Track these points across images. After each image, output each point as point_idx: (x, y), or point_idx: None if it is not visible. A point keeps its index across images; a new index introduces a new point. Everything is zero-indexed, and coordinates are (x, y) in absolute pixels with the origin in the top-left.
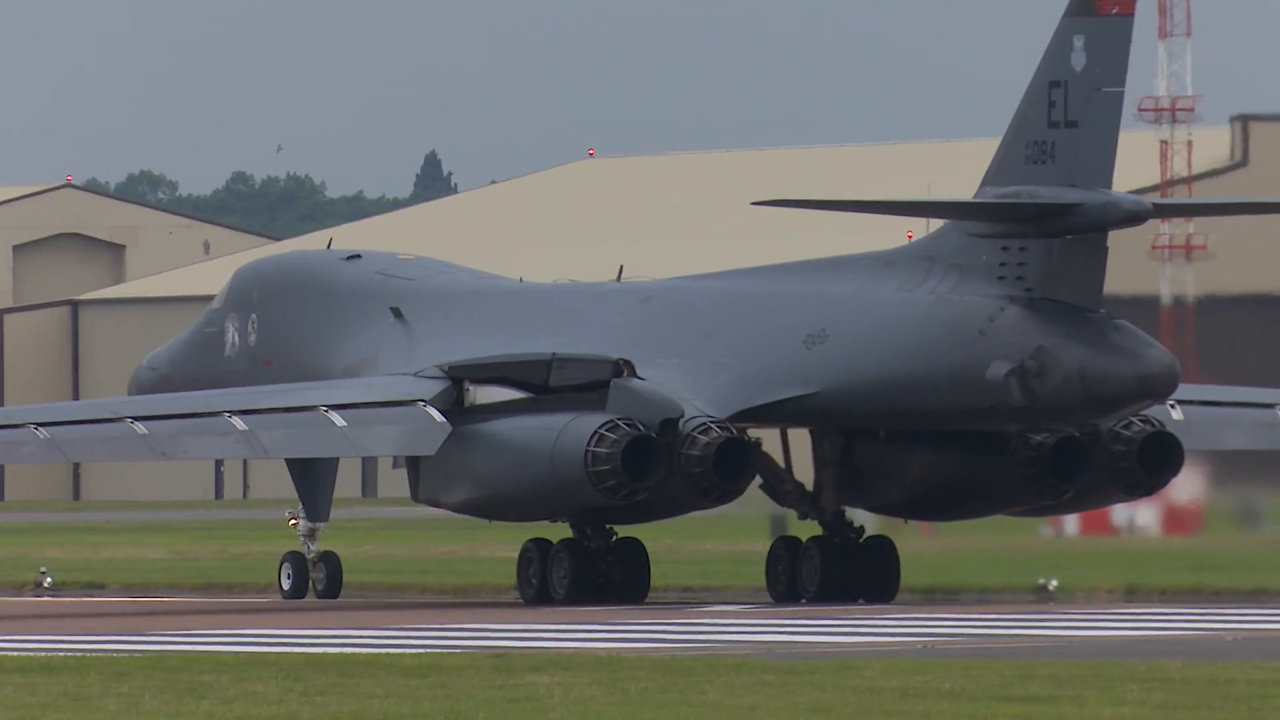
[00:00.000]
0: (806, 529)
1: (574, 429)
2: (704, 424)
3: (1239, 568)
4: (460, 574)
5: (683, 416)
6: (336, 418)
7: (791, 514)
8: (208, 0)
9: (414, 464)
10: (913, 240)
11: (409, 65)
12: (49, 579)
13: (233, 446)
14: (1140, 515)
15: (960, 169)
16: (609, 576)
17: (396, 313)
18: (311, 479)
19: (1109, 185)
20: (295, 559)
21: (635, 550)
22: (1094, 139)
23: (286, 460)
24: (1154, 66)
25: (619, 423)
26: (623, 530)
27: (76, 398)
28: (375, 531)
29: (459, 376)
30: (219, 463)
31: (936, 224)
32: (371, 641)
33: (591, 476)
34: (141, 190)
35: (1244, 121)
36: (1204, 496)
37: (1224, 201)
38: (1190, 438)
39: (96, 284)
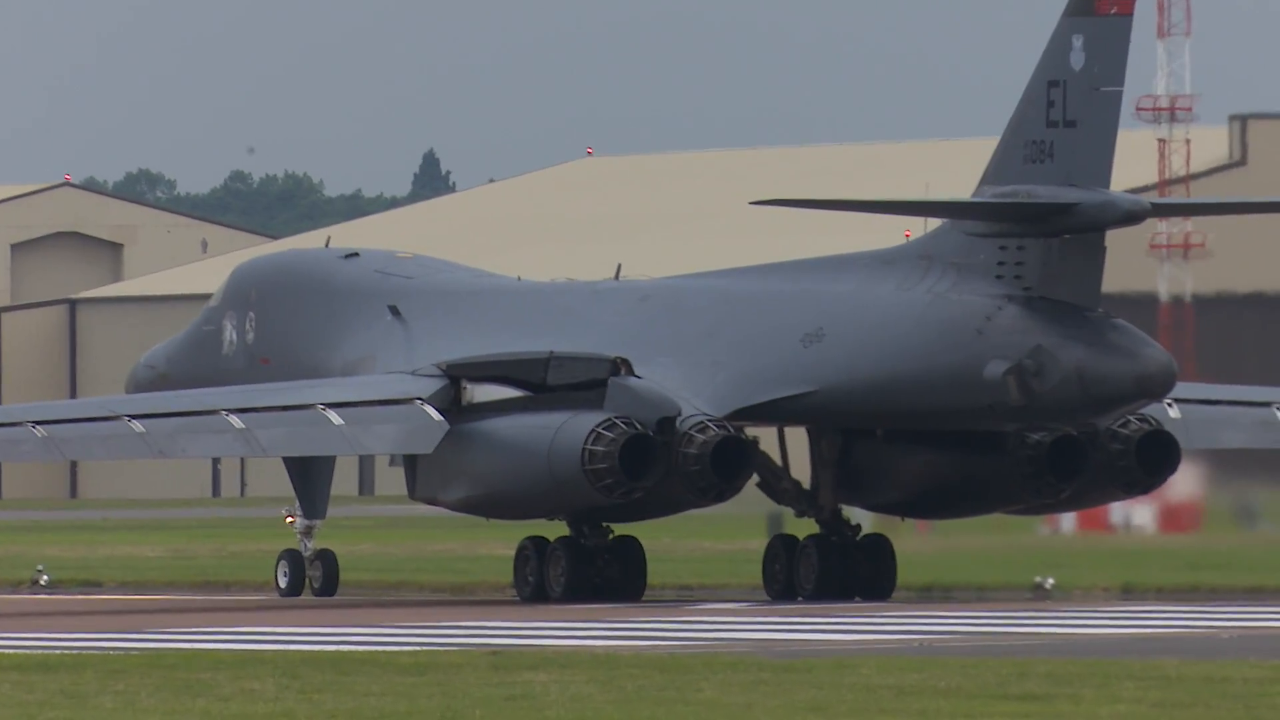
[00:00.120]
0: (804, 527)
1: (571, 428)
2: (701, 423)
3: (1236, 566)
4: (457, 572)
5: (680, 415)
6: (334, 416)
7: (789, 512)
8: None
9: (411, 462)
10: (910, 239)
11: (407, 64)
12: (45, 577)
13: (230, 445)
14: (1137, 514)
15: (958, 168)
16: (606, 575)
17: (394, 311)
18: (309, 477)
19: (1107, 184)
20: (292, 557)
21: (632, 548)
22: (1092, 138)
23: (284, 458)
24: (1153, 66)
25: (616, 421)
26: (620, 528)
27: (74, 396)
28: (372, 530)
29: (456, 375)
30: (216, 461)
31: (934, 223)
32: (368, 639)
33: (589, 475)
34: (139, 189)
35: (1242, 121)
36: (1201, 495)
37: (1222, 201)
38: (1188, 437)
39: (94, 282)
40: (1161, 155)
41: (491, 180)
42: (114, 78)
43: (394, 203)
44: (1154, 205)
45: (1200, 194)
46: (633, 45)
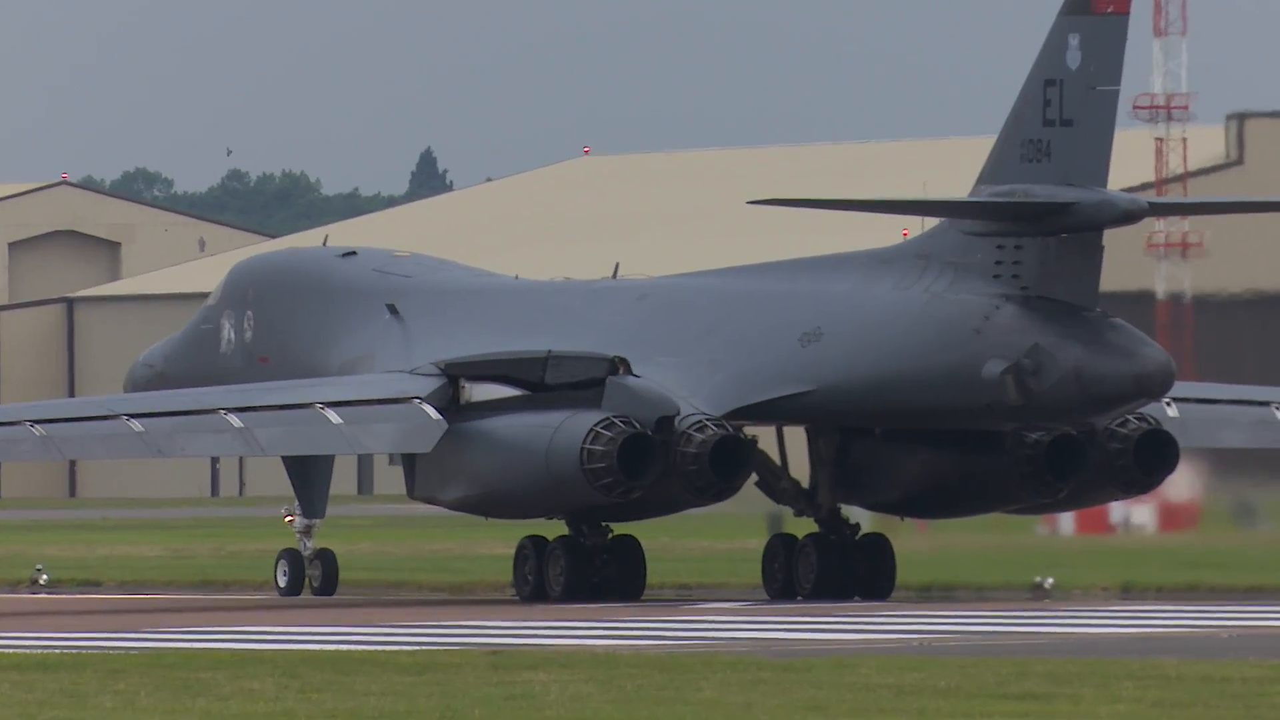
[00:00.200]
0: (802, 526)
1: (570, 427)
2: (700, 422)
3: (1235, 565)
4: (456, 571)
5: (678, 414)
6: (332, 415)
7: (787, 511)
8: None
9: (410, 461)
10: (908, 239)
11: (405, 63)
12: (44, 576)
13: (229, 444)
14: (1136, 513)
15: (956, 167)
16: (605, 574)
17: (392, 310)
18: (308, 476)
19: (1104, 183)
20: (291, 556)
21: (631, 548)
22: (1089, 137)
23: (283, 458)
24: (1149, 64)
25: (615, 420)
26: (619, 528)
27: (72, 395)
28: (371, 529)
29: (455, 374)
30: (215, 460)
31: (932, 222)
32: (367, 639)
33: (587, 474)
34: (137, 188)
35: (1239, 119)
36: (1200, 494)
37: (1220, 200)
38: (1186, 436)
39: (92, 281)
40: (1159, 154)
41: (489, 179)
42: (112, 77)
43: (391, 201)
44: (1151, 204)
45: (1197, 193)
46: (630, 45)
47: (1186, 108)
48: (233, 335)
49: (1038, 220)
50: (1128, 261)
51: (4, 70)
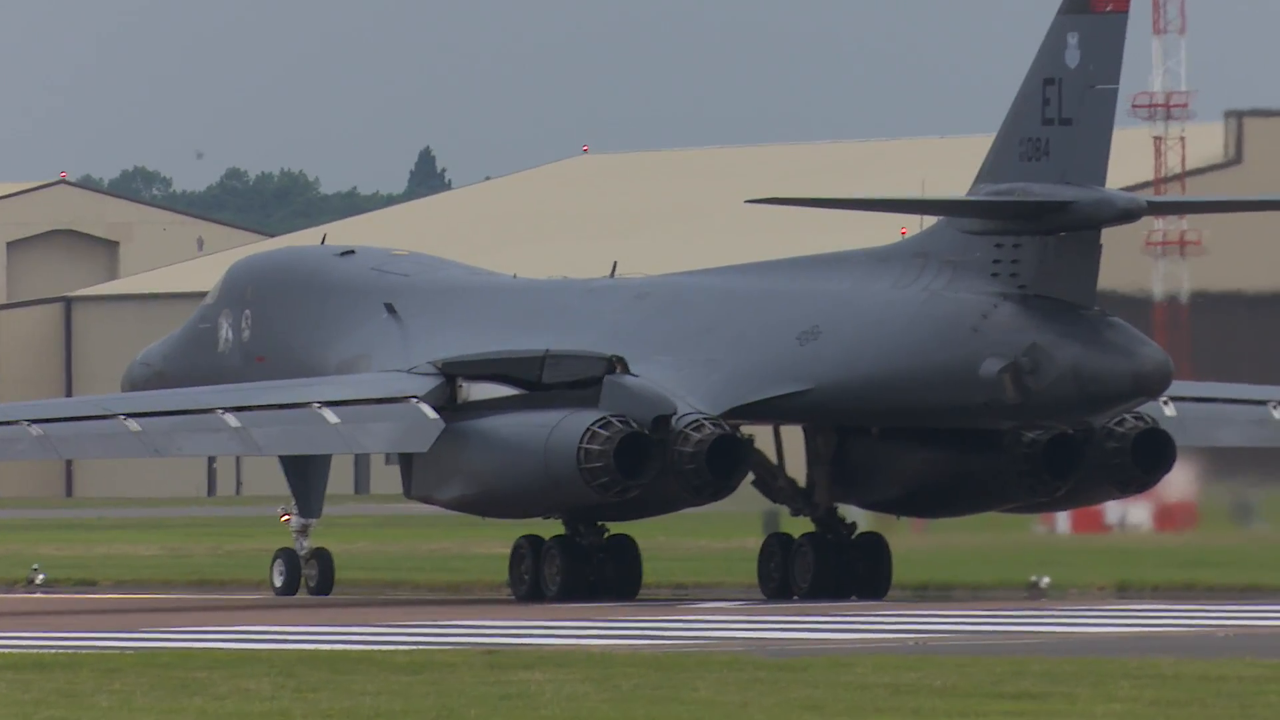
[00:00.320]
0: (799, 526)
1: (567, 426)
2: (697, 421)
3: (1232, 564)
4: (453, 571)
5: (676, 413)
6: (330, 414)
7: (784, 510)
8: None
9: (407, 461)
10: (906, 237)
11: (403, 62)
12: (41, 576)
13: (226, 443)
14: (1133, 512)
15: (954, 166)
16: (601, 573)
17: (390, 309)
18: (304, 476)
19: (1103, 182)
20: (288, 556)
21: (627, 547)
22: (1088, 136)
23: (279, 457)
24: (1148, 63)
25: (612, 420)
26: (615, 527)
27: (70, 394)
28: (368, 528)
29: (452, 373)
30: (212, 460)
31: (930, 221)
32: (364, 638)
33: (584, 473)
34: (135, 187)
35: (1238, 118)
36: (1197, 493)
37: (1218, 199)
38: (1184, 435)
39: (90, 280)
40: (1157, 153)
41: (488, 178)
42: (110, 76)
43: (390, 200)
44: (1150, 203)
45: (1196, 191)
46: (629, 43)
47: (1185, 106)
48: (230, 334)
49: (1036, 219)
50: (1126, 260)
51: (3, 70)
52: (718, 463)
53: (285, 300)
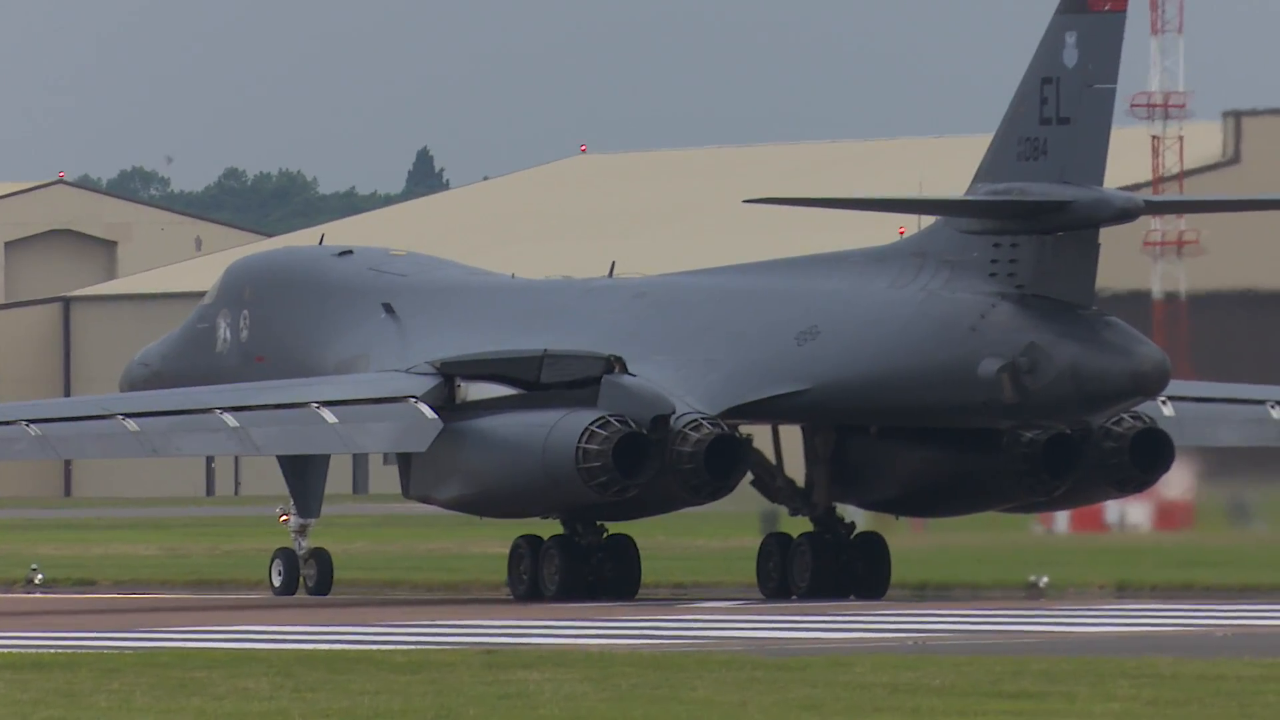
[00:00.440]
0: (798, 525)
1: (565, 426)
2: (695, 420)
3: (1230, 564)
4: (451, 570)
5: (674, 413)
6: (328, 414)
7: (783, 510)
8: None
9: (405, 461)
10: (904, 237)
11: (401, 62)
12: (40, 576)
13: (224, 443)
14: (1131, 512)
15: (952, 165)
16: (600, 573)
17: (388, 309)
18: (303, 475)
19: (1101, 182)
20: (286, 555)
21: (626, 547)
22: (1086, 135)
23: (278, 457)
24: (1146, 63)
25: (610, 419)
26: (614, 527)
27: (68, 394)
28: (366, 528)
29: (451, 373)
30: (210, 459)
31: (928, 221)
32: (362, 638)
33: (583, 473)
34: (134, 186)
35: (1236, 117)
36: (1195, 493)
37: (1216, 199)
38: (1182, 434)
39: (89, 280)
40: (1155, 152)
41: (486, 178)
42: (109, 76)
43: (388, 200)
44: (1148, 203)
45: (1194, 191)
46: (627, 43)
47: (1183, 106)
48: (229, 334)
49: (1034, 218)
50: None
51: (2, 70)
52: (716, 462)
53: (283, 300)
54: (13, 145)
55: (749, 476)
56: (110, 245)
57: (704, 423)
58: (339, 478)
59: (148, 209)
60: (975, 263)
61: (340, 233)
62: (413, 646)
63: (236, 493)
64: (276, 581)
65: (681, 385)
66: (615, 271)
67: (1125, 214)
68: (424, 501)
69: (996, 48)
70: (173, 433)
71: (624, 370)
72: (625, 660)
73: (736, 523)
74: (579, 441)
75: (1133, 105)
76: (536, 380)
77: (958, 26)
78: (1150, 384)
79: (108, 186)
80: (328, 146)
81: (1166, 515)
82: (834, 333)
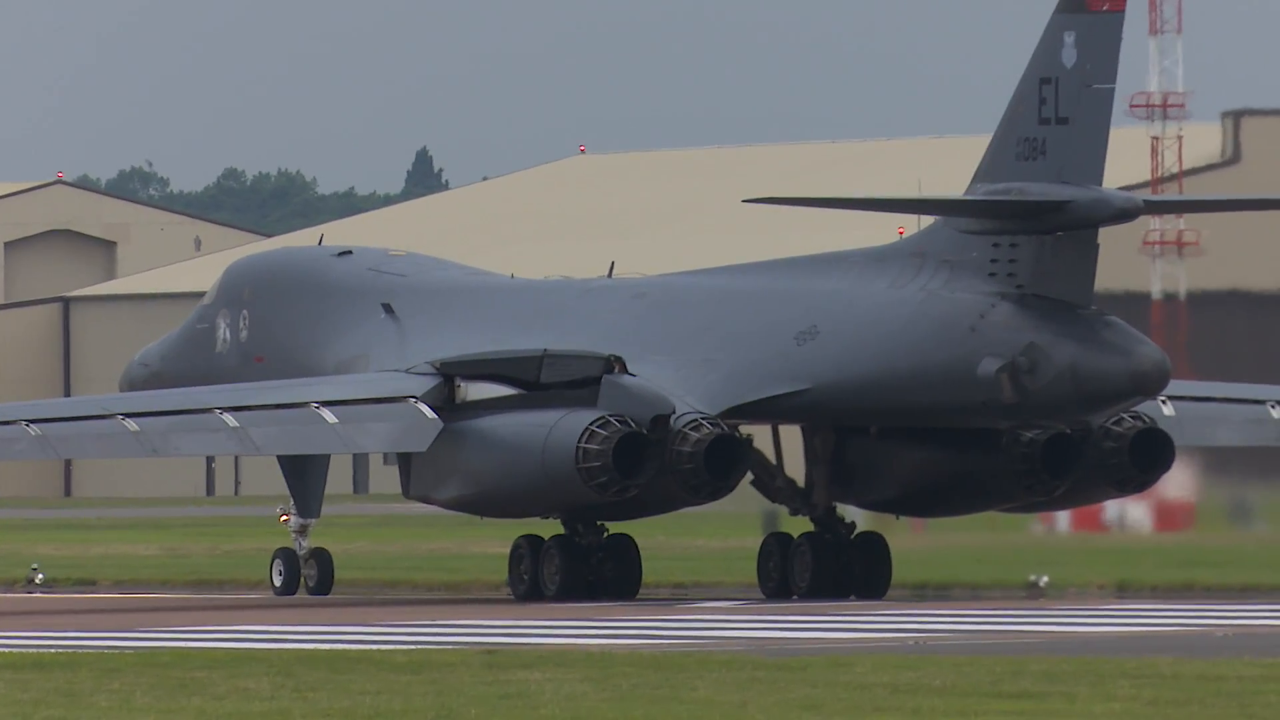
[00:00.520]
0: (798, 525)
1: (565, 426)
2: (695, 420)
3: (1230, 564)
4: (451, 570)
5: (674, 413)
6: (328, 414)
7: (783, 510)
8: None
9: (405, 461)
10: (904, 237)
11: (401, 62)
12: (40, 575)
13: (224, 443)
14: (1131, 511)
15: (951, 165)
16: (600, 573)
17: (388, 309)
18: (303, 475)
19: (1100, 182)
20: (287, 555)
21: (626, 547)
22: (1085, 135)
23: (278, 457)
24: (1145, 63)
25: (610, 419)
26: (614, 527)
27: (68, 394)
28: (367, 528)
29: (450, 373)
30: (210, 459)
31: (927, 221)
32: (363, 638)
33: (583, 473)
34: (133, 187)
35: (1235, 117)
36: (1195, 493)
37: (1215, 198)
38: (1181, 434)
39: (88, 280)
40: (1154, 152)
41: (485, 178)
42: (108, 76)
43: (387, 200)
44: (1147, 202)
45: (1193, 191)
46: (626, 43)
47: (1182, 106)
48: (228, 334)
49: (1033, 218)
50: (1123, 259)
51: (2, 70)
52: (716, 462)
53: (283, 300)
54: (13, 145)
55: (749, 476)
56: (110, 245)
57: (704, 423)
58: (339, 478)
59: (147, 209)
60: (975, 263)
61: (340, 233)
62: (413, 646)
63: (237, 493)
64: (277, 581)
65: (681, 385)
66: (615, 272)
67: (1124, 214)
68: (424, 501)
69: (996, 48)
70: (172, 433)
71: (624, 370)
72: (626, 660)
73: (737, 523)
74: (579, 441)
75: (1132, 105)
76: (536, 380)
77: (958, 26)
78: (1150, 384)
79: (107, 186)
80: (327, 146)
81: (1167, 515)
82: (834, 333)
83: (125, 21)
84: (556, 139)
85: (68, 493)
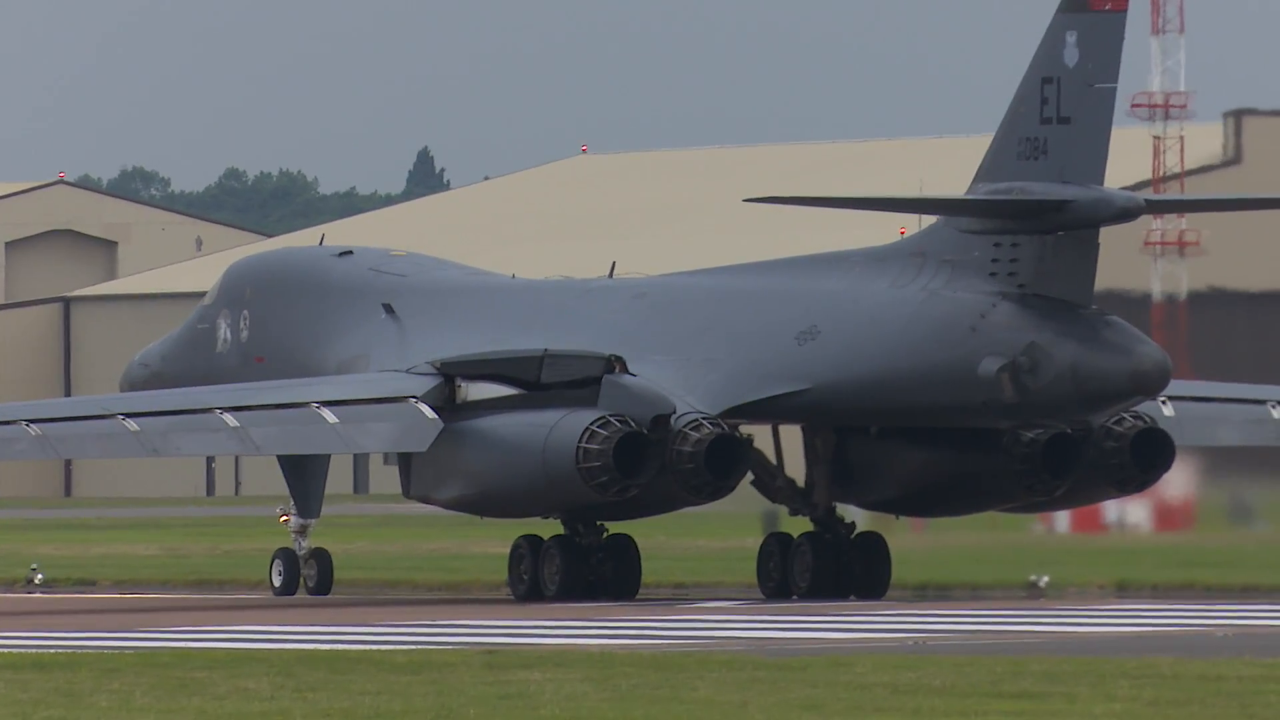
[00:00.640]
0: (798, 525)
1: (566, 426)
2: (696, 420)
3: (1230, 564)
4: (451, 571)
5: (674, 413)
6: (328, 414)
7: (783, 510)
8: None
9: (406, 461)
10: (905, 236)
11: (402, 62)
12: (40, 575)
13: (224, 443)
14: (1132, 511)
15: (953, 165)
16: (600, 573)
17: (389, 309)
18: (303, 476)
19: (1101, 181)
20: (287, 555)
21: (626, 547)
22: (1086, 135)
23: (278, 457)
24: (1147, 63)
25: (611, 419)
26: (614, 527)
27: (68, 394)
28: (367, 528)
29: (451, 373)
30: (210, 459)
31: (929, 220)
32: (363, 638)
33: (583, 473)
34: (134, 187)
35: (1237, 117)
36: (1195, 493)
37: (1217, 198)
38: (1182, 434)
39: (89, 280)
40: (1156, 152)
41: (486, 178)
42: (109, 76)
43: (388, 200)
44: (1148, 202)
45: (1195, 191)
46: (627, 44)
47: (1184, 106)
48: (229, 334)
49: (1034, 218)
50: (1125, 259)
51: (2, 70)
52: (716, 462)
53: (283, 300)
54: (13, 145)
55: (749, 476)
56: (110, 245)
57: (704, 423)
58: (339, 478)
59: (148, 209)
60: (975, 262)
61: (340, 233)
62: (413, 646)
63: (237, 493)
64: (277, 581)
65: (682, 385)
66: (615, 272)
67: (1126, 213)
68: (424, 501)
69: (996, 48)
70: (173, 433)
71: (624, 370)
72: (626, 660)
73: (737, 523)
74: (579, 441)
75: (1133, 105)
76: (537, 380)
77: (958, 26)
78: (1151, 383)
79: (108, 186)
80: (328, 146)
81: (1167, 515)
82: (834, 333)
83: (125, 21)
84: (558, 139)
85: (68, 493)
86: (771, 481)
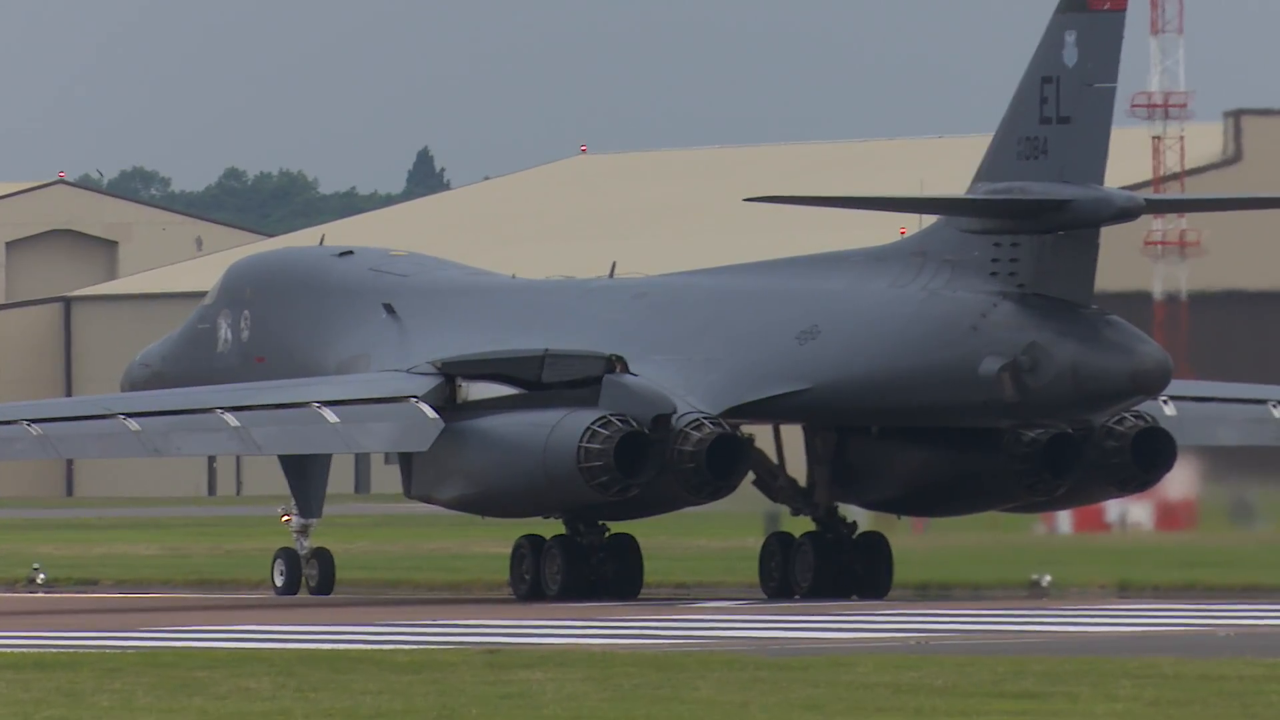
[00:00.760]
0: (799, 525)
1: (567, 425)
2: (697, 420)
3: (1232, 564)
4: (453, 570)
5: (675, 412)
6: (329, 414)
7: (784, 510)
8: None
9: (407, 460)
10: (905, 236)
11: (402, 62)
12: (41, 575)
13: (225, 443)
14: (1133, 511)
15: (953, 165)
16: (602, 573)
17: (389, 309)
18: (304, 475)
19: (1101, 181)
20: (288, 555)
21: (628, 546)
22: (1086, 135)
23: (279, 457)
24: (1146, 62)
25: (612, 419)
26: (615, 526)
27: (69, 394)
28: (368, 528)
29: (451, 373)
30: (212, 459)
31: (929, 220)
32: (364, 638)
33: (584, 473)
34: (134, 186)
35: (1237, 117)
36: (1197, 492)
37: (1216, 197)
38: (1183, 433)
39: (89, 280)
40: (1156, 152)
41: (486, 178)
42: (109, 76)
43: (388, 200)
44: (1148, 202)
45: (1195, 191)
46: (627, 44)
47: (1184, 106)
48: (229, 334)
49: (1034, 218)
50: (1125, 259)
51: (3, 70)
52: (718, 462)
53: (284, 300)
54: (13, 145)
55: (750, 476)
56: (110, 245)
57: (705, 422)
58: (341, 478)
59: (148, 209)
60: (976, 262)
61: (340, 233)
62: (415, 646)
63: (238, 493)
64: (278, 581)
65: (683, 385)
66: (616, 271)
67: (1126, 213)
68: (426, 501)
69: (996, 48)
70: (174, 432)
71: (625, 370)
72: (627, 660)
73: (738, 523)
74: (580, 441)
75: (1133, 105)
76: (538, 380)
77: (958, 26)
78: (1151, 383)
79: (108, 186)
80: (328, 146)
81: (1168, 515)
82: (835, 332)
83: (126, 21)
84: (558, 139)
85: (69, 493)
86: (773, 481)
